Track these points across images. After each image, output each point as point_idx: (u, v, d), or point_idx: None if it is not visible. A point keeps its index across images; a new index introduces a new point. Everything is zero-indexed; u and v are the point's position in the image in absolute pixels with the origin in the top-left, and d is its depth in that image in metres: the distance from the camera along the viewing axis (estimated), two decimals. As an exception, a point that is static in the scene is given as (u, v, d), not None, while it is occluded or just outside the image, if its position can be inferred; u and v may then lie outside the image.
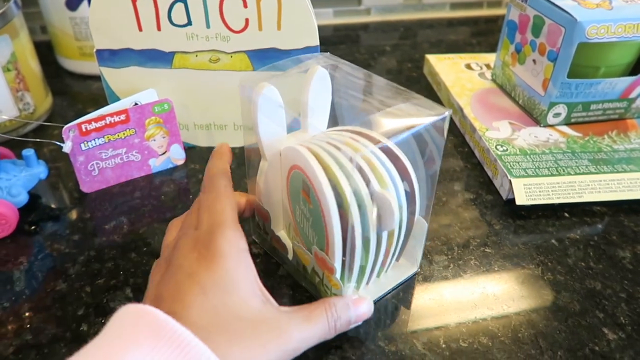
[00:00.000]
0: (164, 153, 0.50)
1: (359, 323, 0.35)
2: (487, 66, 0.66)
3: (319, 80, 0.35)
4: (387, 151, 0.32)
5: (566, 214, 0.46)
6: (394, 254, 0.36)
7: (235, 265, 0.29)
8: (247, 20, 0.46)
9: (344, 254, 0.32)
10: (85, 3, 0.61)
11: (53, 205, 0.46)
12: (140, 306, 0.25)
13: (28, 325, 0.35)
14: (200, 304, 0.27)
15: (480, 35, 0.83)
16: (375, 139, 0.31)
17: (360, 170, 0.30)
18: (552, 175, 0.47)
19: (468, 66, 0.66)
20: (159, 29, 0.46)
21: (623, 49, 0.52)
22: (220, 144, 0.37)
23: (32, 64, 0.55)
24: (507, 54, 0.59)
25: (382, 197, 0.30)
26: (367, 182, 0.30)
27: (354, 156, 0.30)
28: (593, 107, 0.53)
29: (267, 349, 0.27)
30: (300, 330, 0.30)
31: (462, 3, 0.90)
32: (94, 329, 0.35)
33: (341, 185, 0.30)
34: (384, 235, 0.33)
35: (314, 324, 0.31)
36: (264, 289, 0.30)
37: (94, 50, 0.47)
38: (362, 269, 0.34)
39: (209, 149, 0.53)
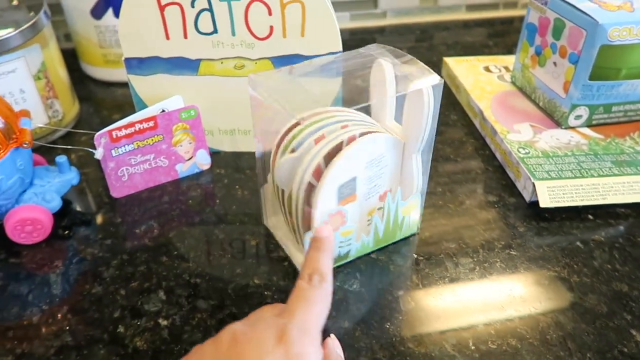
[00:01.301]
0: (190, 158, 0.51)
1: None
2: (506, 68, 0.66)
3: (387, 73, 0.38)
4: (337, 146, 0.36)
5: (590, 216, 0.46)
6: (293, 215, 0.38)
7: None
8: (271, 28, 0.47)
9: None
10: (109, 12, 0.62)
11: (84, 210, 0.48)
12: None
13: (67, 327, 0.37)
14: None
15: (496, 36, 0.84)
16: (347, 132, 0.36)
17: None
18: (575, 177, 0.47)
19: (487, 69, 0.66)
20: (185, 37, 0.47)
21: (645, 51, 0.52)
22: (326, 232, 0.33)
23: (60, 72, 0.56)
24: (526, 56, 0.59)
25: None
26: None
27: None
28: (615, 108, 0.53)
29: None
30: None
31: (478, 5, 0.90)
32: (130, 331, 0.36)
33: None
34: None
35: None
36: None
37: (123, 58, 0.48)
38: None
39: (234, 154, 0.54)
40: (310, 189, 0.36)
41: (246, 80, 0.49)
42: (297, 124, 0.38)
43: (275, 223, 0.45)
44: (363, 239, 0.41)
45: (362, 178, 0.38)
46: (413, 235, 0.44)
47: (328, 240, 0.33)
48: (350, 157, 0.36)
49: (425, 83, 0.36)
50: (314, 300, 0.29)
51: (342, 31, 0.90)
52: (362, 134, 0.36)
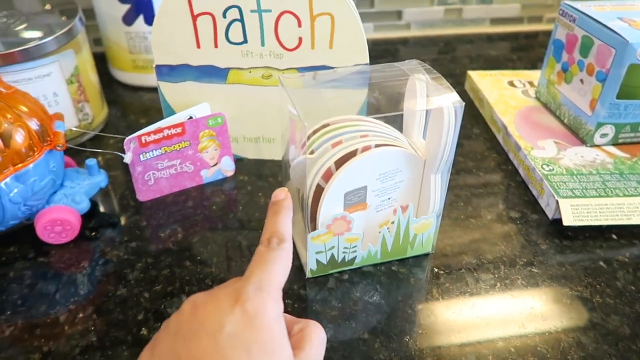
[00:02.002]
0: (215, 164, 0.52)
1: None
2: (530, 84, 0.66)
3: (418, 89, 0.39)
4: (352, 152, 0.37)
5: (614, 236, 0.46)
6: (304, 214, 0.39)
7: (278, 329, 0.28)
8: (300, 39, 0.47)
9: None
10: (140, 19, 0.64)
11: (111, 213, 0.49)
12: None
13: (92, 328, 0.37)
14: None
15: (520, 50, 0.83)
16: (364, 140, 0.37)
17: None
18: (600, 196, 0.47)
19: (511, 83, 0.66)
20: (216, 46, 0.48)
21: (674, 71, 0.51)
22: (282, 194, 0.34)
23: (92, 77, 0.58)
24: (552, 72, 0.59)
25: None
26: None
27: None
28: (641, 128, 0.53)
29: None
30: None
31: (502, 18, 0.90)
32: (154, 334, 0.37)
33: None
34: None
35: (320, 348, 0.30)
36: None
37: (154, 65, 0.50)
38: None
39: (257, 162, 0.55)
40: (320, 191, 0.37)
41: (273, 90, 0.51)
42: (323, 126, 0.38)
43: (292, 220, 0.45)
44: (370, 248, 0.41)
45: (373, 189, 0.38)
46: (427, 254, 0.44)
47: (284, 203, 0.33)
48: (360, 166, 0.37)
49: (446, 101, 0.36)
50: (271, 260, 0.30)
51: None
52: (377, 145, 0.37)
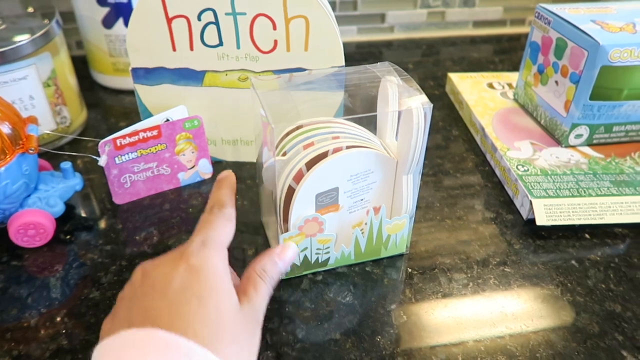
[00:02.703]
0: (192, 167, 0.52)
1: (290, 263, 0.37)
2: (509, 85, 0.67)
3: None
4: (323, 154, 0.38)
5: (587, 235, 0.47)
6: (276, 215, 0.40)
7: (225, 279, 0.30)
8: (275, 42, 0.48)
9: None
10: (120, 22, 0.64)
11: (87, 216, 0.49)
12: (139, 331, 0.26)
13: (64, 331, 0.37)
14: (201, 317, 0.27)
15: (502, 53, 0.84)
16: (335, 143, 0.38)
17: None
18: (573, 196, 0.47)
19: (490, 85, 0.67)
20: (191, 49, 0.48)
21: (646, 72, 0.52)
22: (226, 172, 0.38)
23: (70, 80, 0.58)
24: (529, 74, 0.60)
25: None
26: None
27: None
28: (615, 128, 0.53)
29: (255, 340, 0.30)
30: (263, 309, 0.32)
31: (485, 21, 0.91)
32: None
33: None
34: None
35: (264, 297, 0.33)
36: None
37: (130, 68, 0.50)
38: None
39: (235, 164, 0.55)
40: (291, 192, 0.38)
41: (249, 93, 0.51)
42: (297, 128, 0.39)
43: (267, 221, 0.46)
44: (343, 249, 0.42)
45: (345, 190, 0.39)
46: (401, 255, 0.44)
47: (227, 179, 0.37)
48: (331, 167, 0.37)
49: (415, 103, 0.37)
50: (214, 222, 0.33)
51: (349, 44, 0.92)
52: (349, 147, 0.37)
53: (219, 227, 0.32)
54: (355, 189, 0.39)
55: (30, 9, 0.57)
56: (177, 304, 0.28)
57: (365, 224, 0.41)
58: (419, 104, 0.36)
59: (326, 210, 0.39)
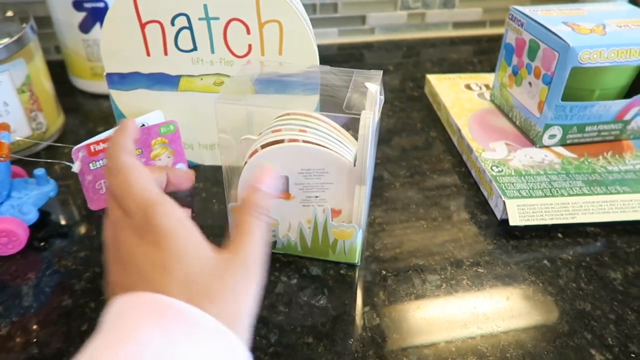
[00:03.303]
0: (169, 172, 0.52)
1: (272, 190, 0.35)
2: (487, 86, 0.67)
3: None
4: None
5: (559, 235, 0.47)
6: None
7: (184, 235, 0.29)
8: (250, 46, 0.48)
9: None
10: (97, 26, 0.63)
11: (62, 222, 0.48)
12: (133, 294, 0.27)
13: (35, 340, 0.37)
14: (171, 283, 0.27)
15: (482, 54, 0.85)
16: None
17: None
18: (545, 196, 0.48)
19: (468, 86, 0.67)
20: (166, 54, 0.48)
21: (617, 73, 0.53)
22: (124, 120, 0.36)
23: (45, 85, 0.57)
24: (504, 75, 0.60)
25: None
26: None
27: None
28: (588, 129, 0.54)
29: (244, 290, 0.28)
30: (255, 253, 0.30)
31: (464, 22, 0.92)
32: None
33: None
34: None
35: (255, 236, 0.31)
36: (208, 243, 0.30)
37: (104, 73, 0.50)
38: None
39: (213, 168, 0.55)
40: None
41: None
42: (285, 115, 0.40)
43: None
44: (289, 237, 0.43)
45: (295, 181, 0.39)
46: (354, 265, 0.44)
47: (124, 123, 0.36)
48: (281, 154, 0.38)
49: (365, 112, 0.36)
50: (123, 188, 0.31)
51: (330, 46, 0.92)
52: (305, 141, 0.38)
53: (141, 185, 0.31)
54: (308, 184, 0.40)
55: (10, 13, 0.56)
56: (145, 277, 0.28)
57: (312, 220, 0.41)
58: (367, 114, 0.36)
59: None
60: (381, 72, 0.41)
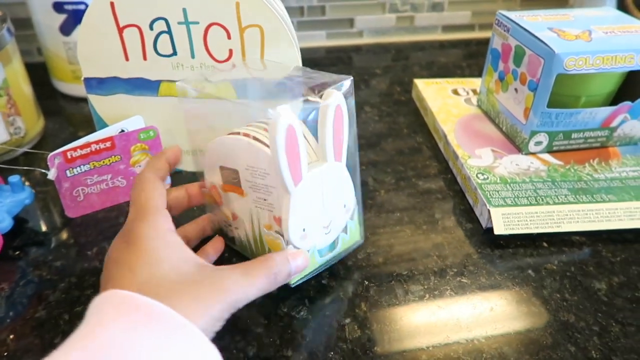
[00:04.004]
0: (149, 178, 0.51)
1: (298, 273, 0.37)
2: (474, 91, 0.67)
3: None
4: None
5: (545, 244, 0.47)
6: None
7: (160, 244, 0.31)
8: (230, 51, 0.47)
9: None
10: (78, 28, 0.62)
11: (38, 230, 0.47)
12: (103, 293, 0.29)
13: (5, 353, 0.36)
14: (129, 281, 0.29)
15: (471, 57, 0.84)
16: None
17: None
18: (530, 204, 0.47)
19: (455, 91, 0.67)
20: (145, 58, 0.47)
21: (603, 79, 0.52)
22: (171, 145, 0.40)
23: (24, 89, 0.56)
24: (491, 80, 0.60)
25: None
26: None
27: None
28: (574, 135, 0.54)
29: (207, 303, 0.29)
30: (239, 284, 0.31)
31: (453, 26, 0.91)
32: (70, 358, 0.36)
33: None
34: None
35: (252, 278, 0.32)
36: (198, 257, 0.33)
37: (82, 78, 0.48)
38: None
39: (194, 174, 0.54)
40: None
41: (207, 102, 0.50)
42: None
43: None
44: (241, 236, 0.42)
45: (245, 178, 0.38)
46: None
47: (169, 151, 0.40)
48: (230, 145, 0.38)
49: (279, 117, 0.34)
50: (132, 199, 0.36)
51: (318, 49, 0.91)
52: (255, 138, 0.36)
53: (146, 196, 0.35)
54: (255, 183, 0.37)
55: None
56: (110, 272, 0.31)
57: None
58: (283, 111, 0.33)
59: (230, 188, 0.40)
60: (350, 78, 0.39)
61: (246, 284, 0.32)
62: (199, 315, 0.28)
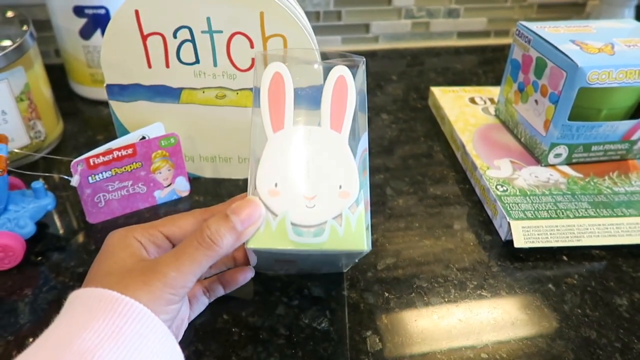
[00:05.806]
0: (169, 185, 0.51)
1: (257, 225, 0.33)
2: (491, 100, 0.67)
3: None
4: None
5: (564, 257, 0.47)
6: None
7: (112, 248, 0.34)
8: (253, 60, 0.47)
9: None
10: (98, 33, 0.62)
11: (60, 236, 0.48)
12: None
13: None
14: (94, 277, 0.33)
15: (486, 64, 0.84)
16: None
17: None
18: (551, 217, 0.47)
19: (472, 100, 0.67)
20: (167, 66, 0.47)
21: (625, 93, 0.52)
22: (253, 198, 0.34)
23: (45, 93, 0.57)
24: (510, 91, 0.60)
25: None
26: None
27: None
28: (594, 148, 0.54)
29: (150, 286, 0.30)
30: (169, 262, 0.31)
31: (469, 32, 0.91)
32: None
33: None
34: None
35: (181, 253, 0.31)
36: (145, 255, 0.34)
37: (105, 84, 0.49)
38: None
39: (214, 181, 0.55)
40: None
41: (227, 110, 0.50)
42: None
43: None
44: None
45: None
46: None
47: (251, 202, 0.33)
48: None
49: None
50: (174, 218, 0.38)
51: (333, 54, 0.91)
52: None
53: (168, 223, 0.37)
54: None
55: (10, 14, 0.55)
56: (92, 269, 0.34)
57: None
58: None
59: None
60: (363, 58, 0.40)
61: (174, 259, 0.31)
62: (145, 298, 0.30)
